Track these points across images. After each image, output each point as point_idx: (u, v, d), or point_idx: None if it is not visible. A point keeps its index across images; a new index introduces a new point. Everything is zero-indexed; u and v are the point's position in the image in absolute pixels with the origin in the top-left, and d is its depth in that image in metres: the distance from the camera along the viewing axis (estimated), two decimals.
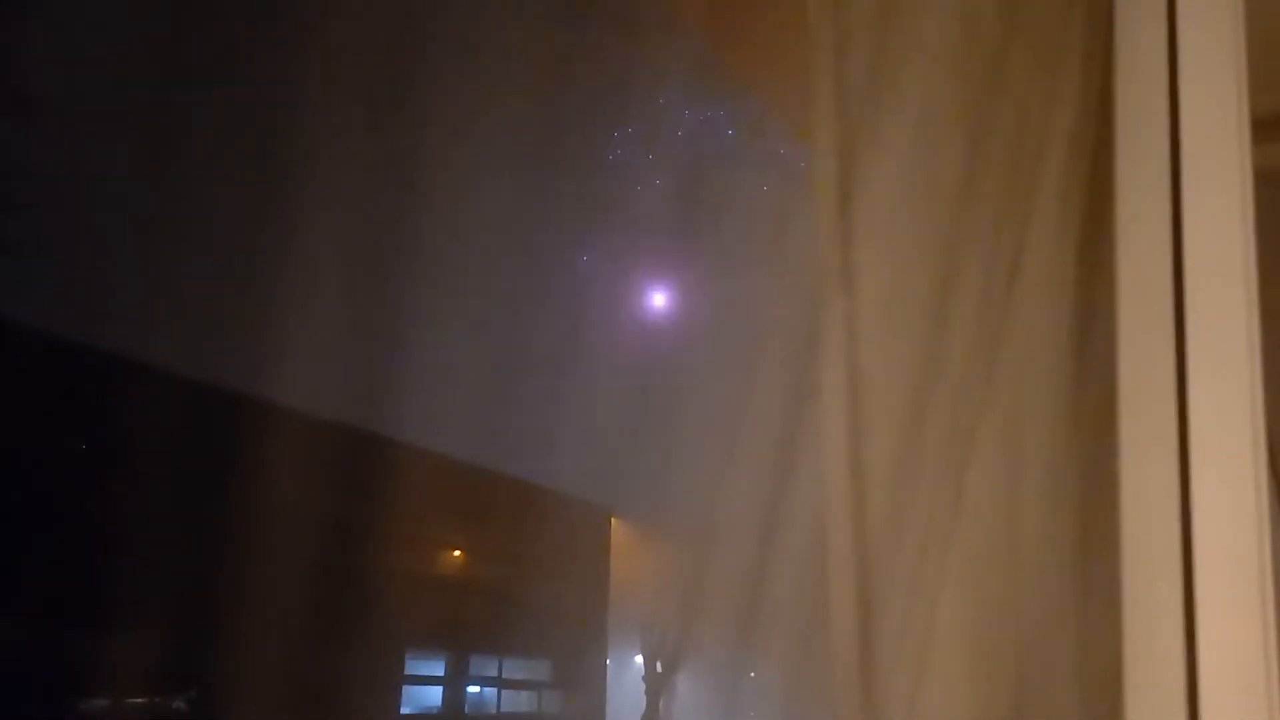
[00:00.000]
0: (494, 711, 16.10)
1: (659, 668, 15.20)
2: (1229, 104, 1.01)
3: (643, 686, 15.38)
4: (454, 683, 15.47)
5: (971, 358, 1.12)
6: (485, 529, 15.38)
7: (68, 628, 9.79)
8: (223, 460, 10.74)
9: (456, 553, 15.67)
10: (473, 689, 15.94)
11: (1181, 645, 0.82)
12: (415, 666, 14.86)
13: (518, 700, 16.45)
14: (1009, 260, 1.13)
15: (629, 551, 17.26)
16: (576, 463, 15.02)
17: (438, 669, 15.32)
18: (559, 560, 15.79)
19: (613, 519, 17.52)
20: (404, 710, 14.45)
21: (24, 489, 9.81)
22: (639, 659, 15.95)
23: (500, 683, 16.23)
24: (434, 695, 15.25)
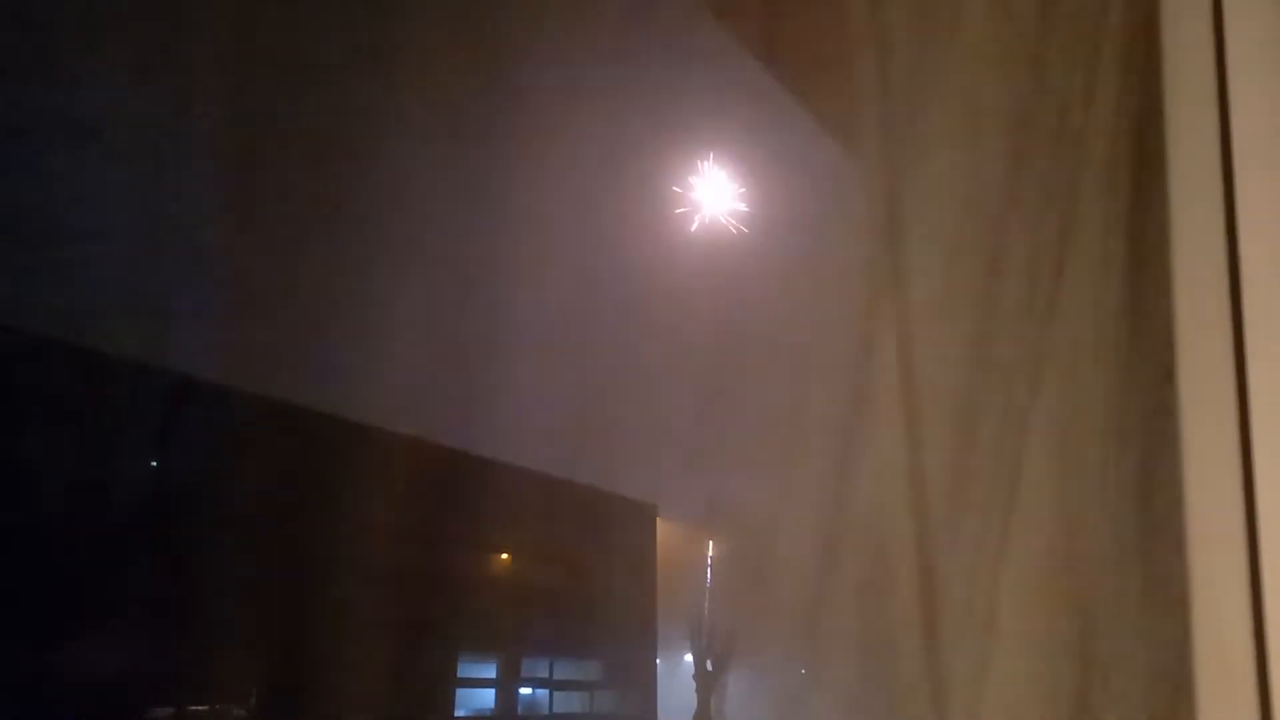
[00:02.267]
0: (546, 712, 16.21)
1: (709, 666, 15.18)
2: (1278, 86, 1.00)
3: (693, 685, 15.38)
4: (506, 684, 15.61)
5: (1020, 351, 1.12)
6: (532, 531, 15.50)
7: (130, 638, 10.07)
8: (280, 472, 10.97)
9: (504, 555, 15.80)
10: (525, 690, 16.06)
11: (1250, 634, 0.82)
12: (468, 669, 15.02)
13: (570, 701, 16.54)
14: (1054, 253, 1.13)
15: (676, 551, 17.25)
16: (625, 463, 15.10)
17: (490, 671, 15.47)
18: (606, 560, 15.85)
19: (658, 519, 17.53)
20: (459, 712, 14.62)
21: (89, 504, 10.10)
22: (689, 658, 15.95)
23: (552, 684, 16.33)
24: (487, 697, 15.41)
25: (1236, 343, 0.93)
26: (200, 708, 10.90)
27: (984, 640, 1.02)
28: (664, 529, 17.39)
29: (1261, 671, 0.81)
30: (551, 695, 16.19)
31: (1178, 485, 0.93)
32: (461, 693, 14.71)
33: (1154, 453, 1.04)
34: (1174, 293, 0.98)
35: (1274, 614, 0.83)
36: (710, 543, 16.49)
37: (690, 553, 16.86)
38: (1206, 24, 1.02)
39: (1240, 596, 0.84)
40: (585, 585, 15.45)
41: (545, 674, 16.10)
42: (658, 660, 16.89)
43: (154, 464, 10.92)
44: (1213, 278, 0.96)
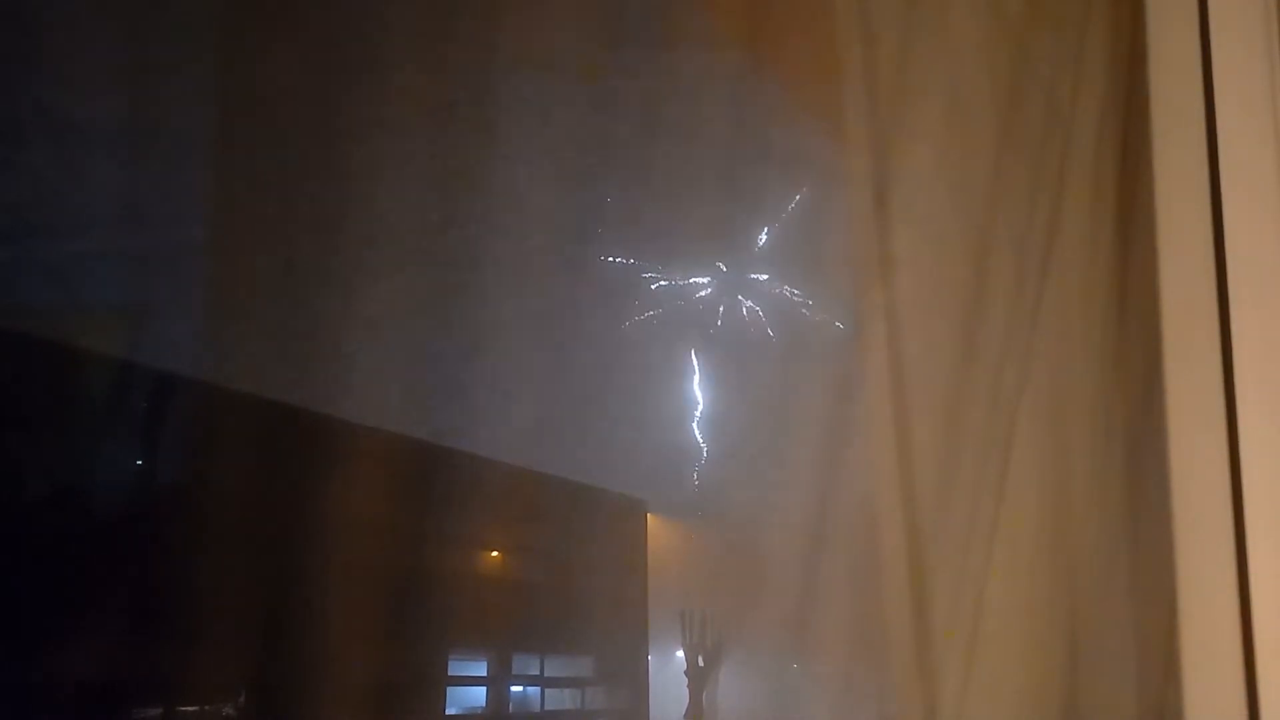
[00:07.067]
0: (538, 710, 16.19)
1: (701, 661, 15.18)
2: (1263, 72, 1.01)
3: (685, 681, 15.36)
4: (497, 682, 15.58)
5: (1008, 340, 1.13)
6: (520, 527, 15.45)
7: (116, 638, 9.98)
8: (266, 470, 10.90)
9: (494, 553, 15.76)
10: (516, 688, 16.03)
11: (1236, 614, 0.83)
12: (458, 667, 14.98)
13: (561, 698, 16.52)
14: (1042, 242, 1.14)
15: (666, 547, 17.25)
16: (613, 458, 15.02)
17: (480, 669, 15.43)
18: (596, 556, 15.82)
19: (648, 514, 17.51)
20: (450, 710, 14.58)
21: (73, 504, 10.03)
22: (680, 653, 15.93)
23: (543, 681, 16.30)
24: (478, 695, 15.37)
25: (1223, 330, 0.93)
26: (189, 708, 10.84)
27: (973, 628, 1.03)
28: (654, 524, 17.37)
29: (1248, 654, 0.82)
30: (543, 692, 16.14)
31: (1164, 473, 0.93)
32: (452, 691, 14.67)
33: (1141, 440, 1.04)
34: (1160, 281, 0.98)
35: (1260, 598, 0.83)
36: (701, 537, 16.49)
37: (681, 548, 16.85)
38: (1192, 12, 1.02)
39: (1227, 581, 0.85)
40: (575, 581, 15.43)
41: (536, 671, 16.07)
42: (649, 656, 16.87)
43: (139, 463, 10.87)
44: (1199, 265, 0.96)
